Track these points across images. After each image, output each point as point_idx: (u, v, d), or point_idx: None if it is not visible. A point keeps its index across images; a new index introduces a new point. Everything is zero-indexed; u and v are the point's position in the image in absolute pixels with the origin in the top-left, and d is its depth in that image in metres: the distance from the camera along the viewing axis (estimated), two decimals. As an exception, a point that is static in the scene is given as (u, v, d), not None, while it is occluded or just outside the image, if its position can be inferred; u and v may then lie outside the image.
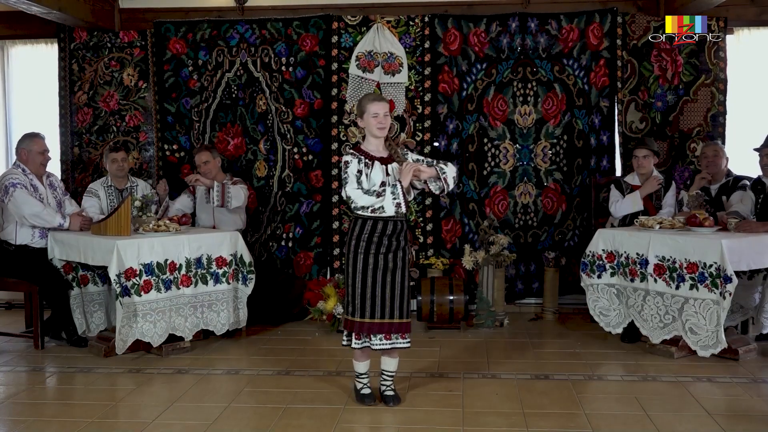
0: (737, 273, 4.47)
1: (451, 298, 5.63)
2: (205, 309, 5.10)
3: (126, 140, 6.49)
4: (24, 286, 5.29)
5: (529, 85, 6.27)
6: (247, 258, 5.30)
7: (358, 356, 3.99)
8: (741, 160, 5.85)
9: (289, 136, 6.35)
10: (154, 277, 4.81)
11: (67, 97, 6.55)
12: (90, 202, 5.62)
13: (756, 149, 5.24)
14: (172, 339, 4.96)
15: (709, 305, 4.54)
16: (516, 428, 3.64)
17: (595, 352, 5.03)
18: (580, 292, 5.48)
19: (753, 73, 6.46)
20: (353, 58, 6.25)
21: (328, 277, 6.17)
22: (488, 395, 4.14)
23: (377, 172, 3.88)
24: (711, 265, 4.52)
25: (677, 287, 4.69)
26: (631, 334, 5.14)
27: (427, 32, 6.21)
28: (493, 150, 6.32)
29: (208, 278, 5.12)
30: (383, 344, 3.90)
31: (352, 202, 3.87)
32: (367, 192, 3.82)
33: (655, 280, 4.81)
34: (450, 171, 3.94)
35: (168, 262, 4.89)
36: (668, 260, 4.74)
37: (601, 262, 5.13)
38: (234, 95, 6.41)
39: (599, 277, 5.14)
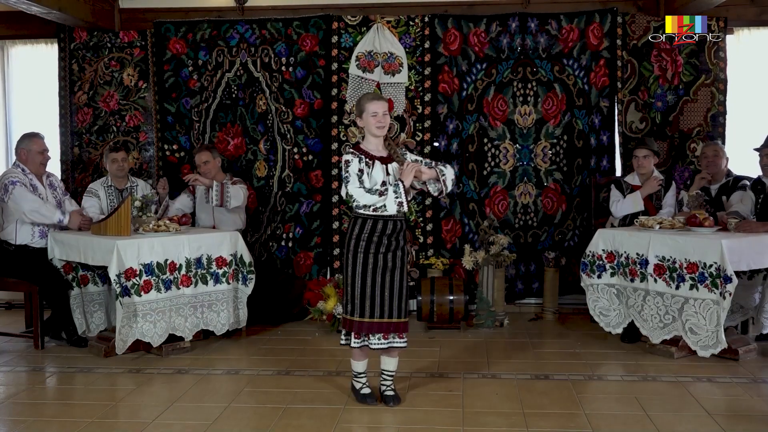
0: (737, 273, 4.47)
1: (451, 298, 5.63)
2: (205, 309, 5.10)
3: (126, 140, 6.49)
4: (24, 286, 5.29)
5: (529, 85, 6.27)
6: (247, 258, 5.31)
7: (357, 355, 4.00)
8: (741, 160, 5.85)
9: (289, 136, 6.35)
10: (154, 277, 4.81)
11: (67, 97, 6.54)
12: (90, 202, 5.61)
13: (756, 149, 5.24)
14: (172, 339, 4.96)
15: (709, 305, 4.54)
16: (516, 428, 3.64)
17: (595, 352, 5.02)
18: (580, 292, 5.48)
19: (753, 73, 6.46)
20: (353, 58, 6.24)
21: (328, 277, 6.17)
22: (488, 395, 4.14)
23: (378, 172, 3.89)
24: (711, 265, 4.52)
25: (677, 287, 4.69)
26: (631, 334, 5.14)
27: (427, 32, 6.21)
28: (493, 150, 6.32)
29: (208, 278, 5.12)
30: (381, 344, 3.92)
31: (353, 201, 3.87)
32: (369, 191, 3.82)
33: (655, 280, 4.81)
34: (449, 173, 3.96)
35: (168, 262, 4.89)
36: (668, 260, 4.74)
37: (601, 262, 5.13)
38: (234, 95, 6.40)
39: (599, 277, 5.14)
